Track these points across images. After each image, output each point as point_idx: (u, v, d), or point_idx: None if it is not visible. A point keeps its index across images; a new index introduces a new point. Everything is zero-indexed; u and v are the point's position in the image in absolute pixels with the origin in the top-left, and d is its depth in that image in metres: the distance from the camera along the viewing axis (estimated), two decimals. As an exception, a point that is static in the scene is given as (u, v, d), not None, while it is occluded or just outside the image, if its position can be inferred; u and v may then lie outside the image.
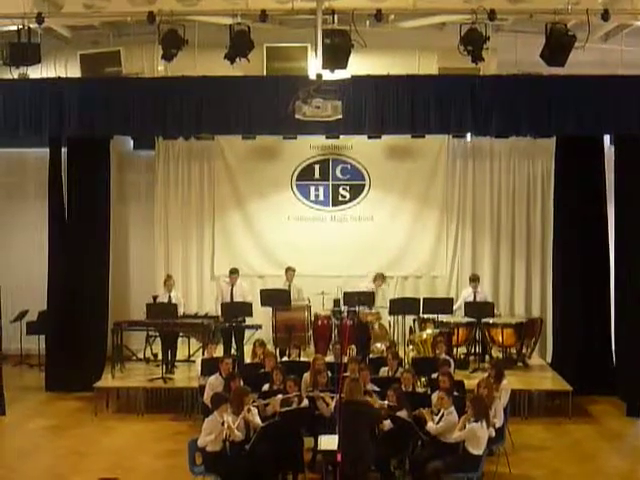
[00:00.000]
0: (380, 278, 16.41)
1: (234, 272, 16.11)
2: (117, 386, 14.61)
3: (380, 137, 16.36)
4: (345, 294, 15.49)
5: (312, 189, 17.92)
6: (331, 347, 14.61)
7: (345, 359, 12.17)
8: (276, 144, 17.52)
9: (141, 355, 15.73)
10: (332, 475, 10.01)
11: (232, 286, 15.93)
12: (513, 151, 17.57)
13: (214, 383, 11.95)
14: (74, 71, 14.25)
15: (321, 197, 17.92)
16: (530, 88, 13.19)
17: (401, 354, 13.66)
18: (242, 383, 11.32)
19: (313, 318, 16.04)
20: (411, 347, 15.20)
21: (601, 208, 15.39)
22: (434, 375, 12.11)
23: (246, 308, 15.24)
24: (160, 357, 15.11)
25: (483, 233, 17.73)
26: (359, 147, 17.60)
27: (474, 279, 16.42)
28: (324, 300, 16.40)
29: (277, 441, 10.34)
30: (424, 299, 15.63)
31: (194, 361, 14.32)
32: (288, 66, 14.08)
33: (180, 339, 15.59)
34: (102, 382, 14.57)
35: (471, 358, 15.62)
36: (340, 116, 11.52)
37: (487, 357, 15.59)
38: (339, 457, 9.27)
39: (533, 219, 17.55)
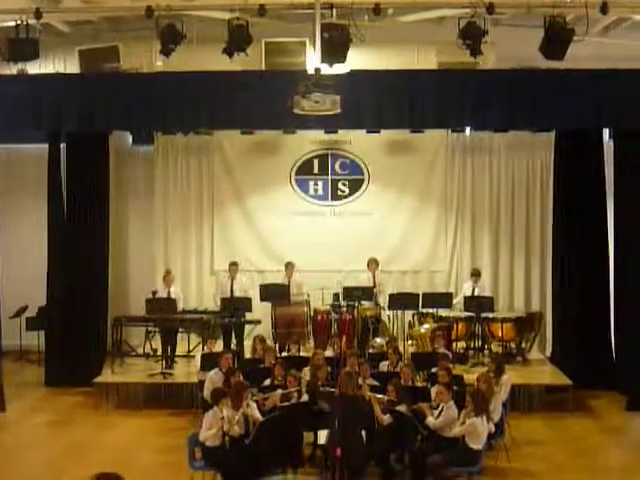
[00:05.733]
0: (374, 263, 16.38)
1: (233, 264, 16.15)
2: (117, 381, 14.59)
3: (379, 132, 16.34)
4: (344, 289, 15.52)
5: (311, 184, 17.91)
6: (330, 342, 14.60)
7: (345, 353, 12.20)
8: (275, 139, 17.51)
9: (141, 350, 15.69)
10: (331, 470, 10.02)
11: (232, 280, 15.96)
12: (512, 145, 17.55)
13: (214, 378, 11.95)
14: (73, 67, 14.26)
15: (320, 192, 17.90)
16: (529, 82, 13.21)
17: (400, 349, 13.66)
18: (242, 378, 11.33)
19: (312, 313, 16.05)
20: (410, 342, 15.22)
21: (600, 201, 15.37)
22: (433, 369, 12.13)
23: (246, 303, 15.25)
24: (160, 352, 15.11)
25: (482, 227, 17.72)
26: (358, 142, 17.59)
27: (475, 273, 16.45)
28: (323, 295, 16.33)
29: (277, 436, 10.33)
30: (423, 294, 15.60)
31: (194, 356, 14.32)
32: (287, 61, 14.09)
33: (180, 334, 15.61)
34: (102, 377, 14.56)
35: (470, 353, 15.61)
36: (339, 110, 11.47)
37: (486, 351, 15.58)
38: (338, 452, 9.27)
39: (532, 213, 17.53)
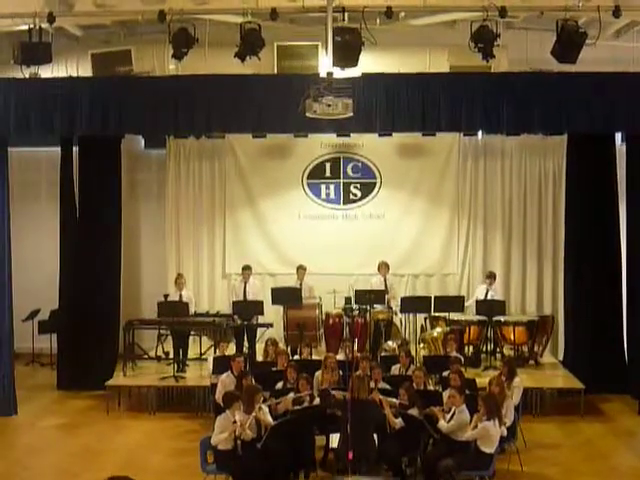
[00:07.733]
0: (384, 266, 16.36)
1: (246, 268, 16.20)
2: (129, 384, 14.63)
3: (391, 135, 16.25)
4: (356, 292, 15.54)
5: (323, 187, 17.89)
6: (342, 345, 14.58)
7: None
8: (287, 142, 17.50)
9: (153, 353, 15.70)
10: (343, 473, 10.01)
11: (245, 283, 15.99)
12: (524, 149, 17.50)
13: (226, 381, 11.95)
14: (85, 70, 14.29)
15: (332, 195, 17.88)
16: (541, 85, 13.16)
17: (412, 352, 13.64)
18: (254, 381, 11.33)
19: (324, 316, 15.99)
20: (422, 345, 15.19)
21: (613, 205, 15.35)
22: (445, 373, 12.11)
23: (258, 306, 15.24)
24: (172, 355, 15.12)
25: (494, 231, 17.67)
26: (370, 145, 17.56)
27: (490, 276, 16.38)
28: (335, 298, 16.33)
29: (289, 439, 10.35)
30: (435, 297, 15.57)
31: (206, 359, 14.34)
32: (299, 64, 14.10)
33: (191, 337, 15.63)
34: (114, 380, 14.57)
35: (483, 356, 15.58)
36: (351, 114, 11.47)
37: (499, 355, 15.55)
38: (350, 455, 9.27)
39: (544, 217, 17.48)
